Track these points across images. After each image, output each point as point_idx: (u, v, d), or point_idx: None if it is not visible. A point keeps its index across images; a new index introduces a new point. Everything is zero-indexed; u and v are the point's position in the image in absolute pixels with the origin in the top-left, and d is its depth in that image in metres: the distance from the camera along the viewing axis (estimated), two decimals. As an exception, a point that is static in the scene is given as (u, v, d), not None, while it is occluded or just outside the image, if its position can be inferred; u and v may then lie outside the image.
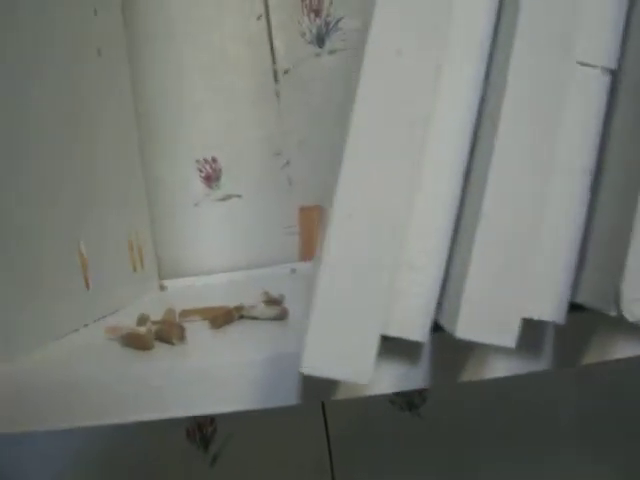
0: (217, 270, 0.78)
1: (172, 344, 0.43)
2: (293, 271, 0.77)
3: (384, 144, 0.28)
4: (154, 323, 0.48)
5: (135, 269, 0.70)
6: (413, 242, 0.30)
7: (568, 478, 0.77)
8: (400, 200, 0.28)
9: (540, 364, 0.35)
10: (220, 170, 0.79)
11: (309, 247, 0.78)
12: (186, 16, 0.77)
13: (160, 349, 0.43)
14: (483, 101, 0.31)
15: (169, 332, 0.44)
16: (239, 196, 0.79)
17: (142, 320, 0.50)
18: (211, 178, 0.79)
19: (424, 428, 0.78)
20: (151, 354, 0.43)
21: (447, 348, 0.34)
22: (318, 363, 0.28)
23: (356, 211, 0.28)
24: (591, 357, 0.35)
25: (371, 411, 0.77)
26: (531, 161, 0.29)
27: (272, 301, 0.53)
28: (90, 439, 0.79)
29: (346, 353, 0.28)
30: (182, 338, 0.44)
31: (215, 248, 0.79)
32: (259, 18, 0.76)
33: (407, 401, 0.77)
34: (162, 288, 0.77)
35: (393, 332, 0.30)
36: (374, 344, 0.28)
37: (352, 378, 0.28)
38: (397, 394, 0.76)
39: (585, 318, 0.34)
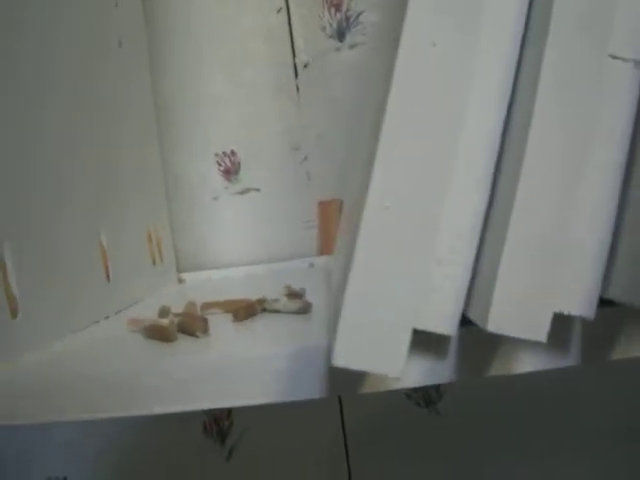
0: (235, 264, 0.78)
1: (195, 336, 0.43)
2: (311, 265, 0.77)
3: (418, 135, 0.28)
4: (176, 315, 0.48)
5: (154, 262, 0.70)
6: (444, 235, 0.29)
7: (587, 473, 0.76)
8: (433, 192, 0.28)
9: (568, 360, 0.35)
10: (239, 164, 0.79)
11: (327, 241, 0.78)
12: (206, 8, 0.77)
13: (183, 341, 0.43)
14: (515, 94, 0.30)
15: (192, 324, 0.44)
16: (257, 190, 0.79)
17: (164, 312, 0.50)
18: (230, 171, 0.79)
19: (440, 423, 0.77)
20: (174, 346, 0.43)
21: (475, 342, 0.34)
22: (350, 355, 0.28)
23: (390, 203, 0.28)
24: (620, 353, 0.35)
25: (387, 405, 0.77)
26: (563, 155, 0.28)
27: (294, 294, 0.53)
28: (106, 432, 0.79)
29: (378, 346, 0.28)
30: (205, 330, 0.44)
31: (233, 242, 0.79)
32: (279, 11, 0.76)
33: (424, 396, 0.77)
34: (180, 281, 0.77)
35: (422, 325, 0.30)
36: (406, 337, 0.28)
37: (384, 371, 0.28)
38: (414, 389, 0.75)
39: (615, 313, 0.34)
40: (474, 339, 0.34)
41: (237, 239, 0.79)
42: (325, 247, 0.78)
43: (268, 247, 0.79)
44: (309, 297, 0.52)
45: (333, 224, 0.77)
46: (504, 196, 0.29)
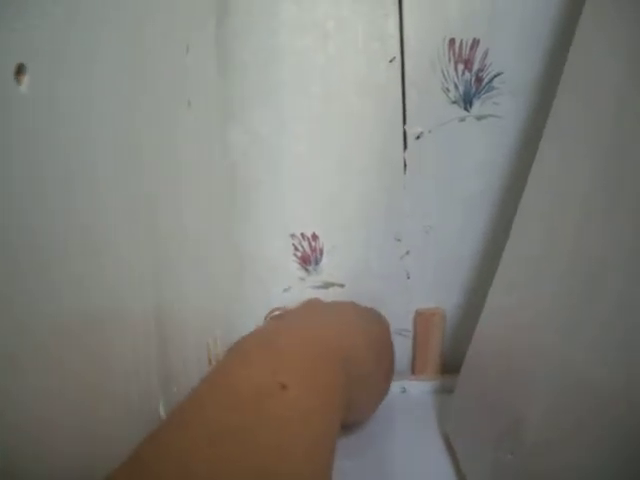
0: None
1: None
2: (403, 390, 0.62)
3: None
4: None
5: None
6: None
7: None
8: None
9: None
10: (321, 250, 0.63)
11: (423, 360, 0.63)
12: (293, 48, 0.59)
13: None
14: None
15: None
16: (342, 286, 0.63)
17: None
18: (309, 259, 0.63)
19: None
20: None
21: None
22: None
23: None
24: None
25: None
26: None
27: None
28: None
29: None
30: None
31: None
32: (391, 61, 0.59)
33: None
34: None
35: None
36: None
37: None
38: None
39: None
40: None
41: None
42: (419, 366, 0.63)
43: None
44: None
45: (434, 340, 0.62)
46: None
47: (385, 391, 0.55)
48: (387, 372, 0.54)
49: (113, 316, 0.35)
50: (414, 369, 0.64)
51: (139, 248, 0.39)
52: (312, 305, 0.57)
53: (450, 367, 0.62)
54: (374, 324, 0.55)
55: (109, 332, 0.35)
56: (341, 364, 0.41)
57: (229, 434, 0.30)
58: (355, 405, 0.46)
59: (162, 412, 0.42)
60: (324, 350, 0.41)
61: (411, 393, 0.62)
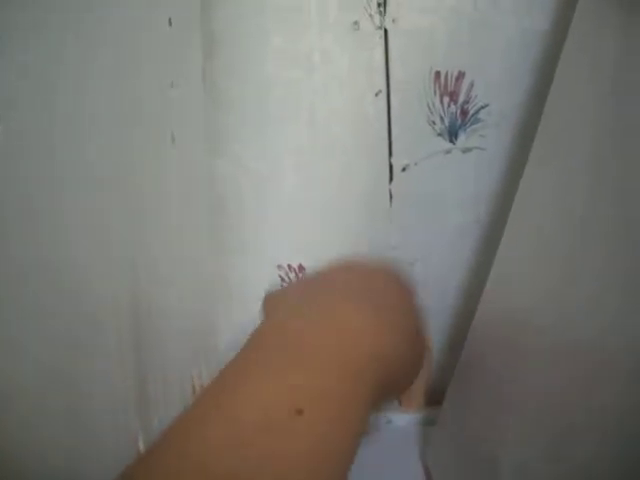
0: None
1: None
2: (389, 422, 0.62)
3: None
4: None
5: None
6: None
7: None
8: None
9: None
10: (307, 282, 0.63)
11: (410, 391, 0.62)
12: (279, 80, 0.60)
13: None
14: None
15: None
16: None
17: None
18: (295, 290, 0.63)
19: None
20: None
21: None
22: None
23: None
24: None
25: None
26: None
27: None
28: None
29: None
30: None
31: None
32: (377, 94, 0.59)
33: None
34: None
35: None
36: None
37: None
38: None
39: None
40: None
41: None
42: (406, 397, 0.63)
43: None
44: None
45: (424, 371, 0.61)
46: None
47: (418, 365, 0.45)
48: (419, 346, 0.45)
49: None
50: (400, 400, 0.64)
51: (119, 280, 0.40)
52: (333, 280, 0.43)
53: (436, 399, 0.62)
54: (399, 299, 0.44)
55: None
56: (369, 364, 0.34)
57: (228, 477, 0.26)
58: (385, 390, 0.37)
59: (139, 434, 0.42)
60: (349, 353, 0.33)
61: (397, 424, 0.62)
